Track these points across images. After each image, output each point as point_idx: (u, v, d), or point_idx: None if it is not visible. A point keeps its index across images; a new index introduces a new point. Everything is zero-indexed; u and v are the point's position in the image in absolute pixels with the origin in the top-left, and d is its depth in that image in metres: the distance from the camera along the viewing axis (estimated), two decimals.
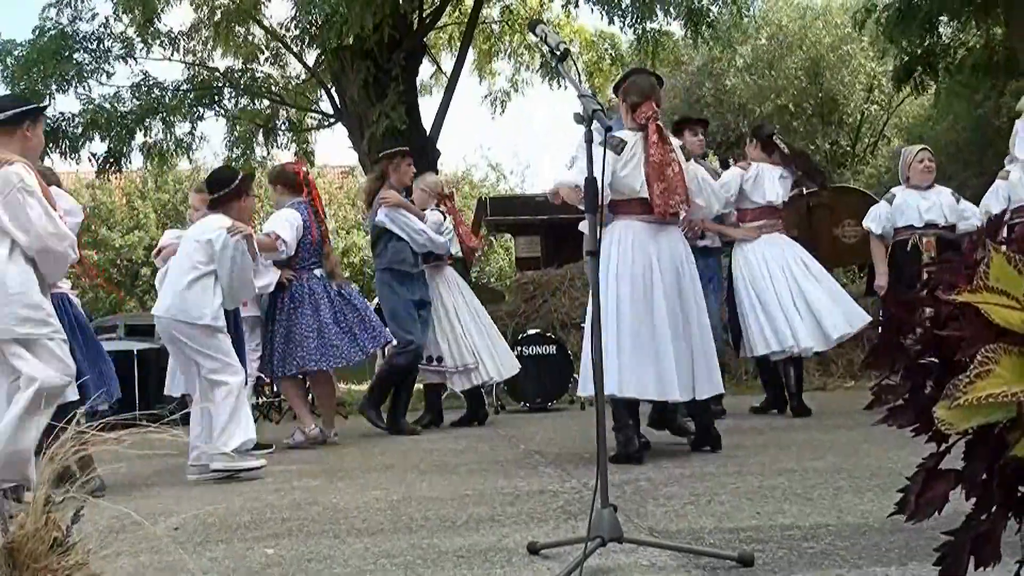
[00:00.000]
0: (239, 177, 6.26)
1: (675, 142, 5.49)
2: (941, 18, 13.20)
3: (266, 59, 14.59)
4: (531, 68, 15.79)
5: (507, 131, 65.10)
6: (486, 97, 16.25)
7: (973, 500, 1.95)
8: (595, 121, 3.04)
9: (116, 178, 18.27)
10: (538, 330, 10.18)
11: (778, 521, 3.54)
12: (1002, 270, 1.88)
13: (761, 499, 4.01)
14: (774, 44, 26.01)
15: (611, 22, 12.59)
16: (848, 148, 27.97)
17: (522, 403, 9.52)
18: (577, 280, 11.84)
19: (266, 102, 14.51)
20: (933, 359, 2.00)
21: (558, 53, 3.23)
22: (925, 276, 2.07)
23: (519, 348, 9.37)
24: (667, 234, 5.38)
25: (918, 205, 7.56)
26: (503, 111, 16.19)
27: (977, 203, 7.86)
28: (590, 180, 3.09)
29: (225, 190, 6.10)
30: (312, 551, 3.43)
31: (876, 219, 7.73)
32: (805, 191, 15.28)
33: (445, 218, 8.22)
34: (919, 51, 14.13)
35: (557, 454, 5.84)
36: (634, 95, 5.41)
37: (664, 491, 4.31)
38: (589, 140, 3.09)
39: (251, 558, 3.35)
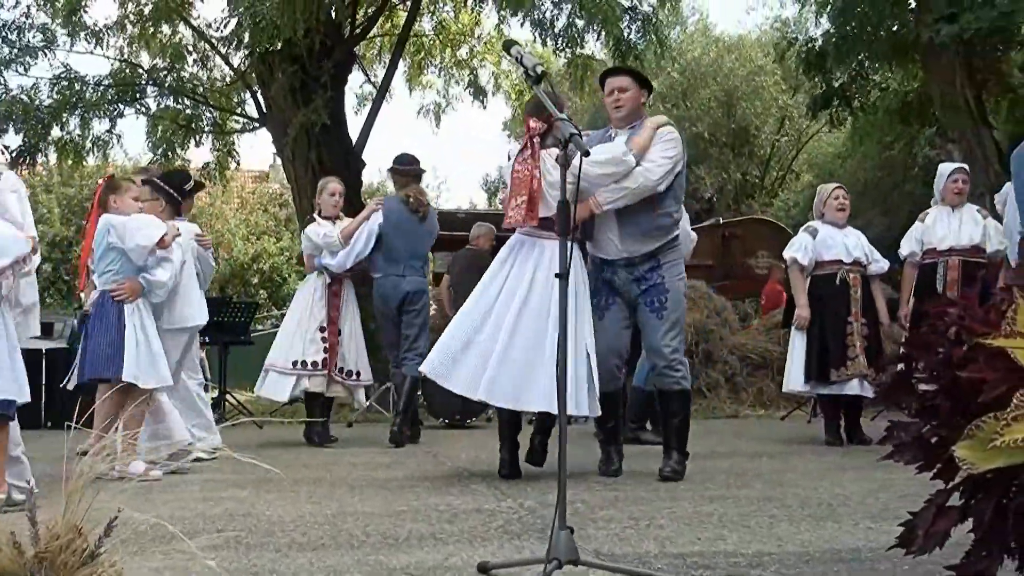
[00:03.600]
0: (192, 181, 6.41)
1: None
2: (860, 57, 13.55)
3: (194, 60, 14.34)
4: (460, 83, 15.80)
5: (439, 145, 65.26)
6: (421, 110, 16.21)
7: (972, 536, 1.99)
8: (572, 144, 3.05)
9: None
10: None
11: (720, 548, 3.57)
12: None
13: (699, 525, 4.05)
14: (688, 76, 26.45)
15: (544, 44, 12.67)
16: (757, 180, 28.52)
17: (440, 419, 9.48)
18: None
19: (189, 102, 14.24)
20: (945, 400, 2.05)
21: (534, 75, 3.24)
22: (934, 318, 2.13)
23: None
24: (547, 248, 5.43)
25: (844, 241, 7.70)
26: (439, 124, 16.16)
27: (883, 241, 8.09)
28: (562, 204, 3.09)
29: (189, 194, 6.25)
30: (256, 564, 3.36)
31: (802, 250, 7.78)
32: (722, 220, 15.67)
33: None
34: (837, 84, 14.47)
35: (486, 472, 5.82)
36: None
37: (601, 514, 4.33)
38: (564, 164, 3.10)
39: (193, 569, 3.26)
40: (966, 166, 8.08)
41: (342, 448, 7.69)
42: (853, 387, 7.44)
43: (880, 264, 7.74)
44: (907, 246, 7.73)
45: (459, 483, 5.45)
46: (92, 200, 6.17)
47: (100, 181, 6.32)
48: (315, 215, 8.11)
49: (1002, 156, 11.05)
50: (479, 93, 15.58)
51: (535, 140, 5.42)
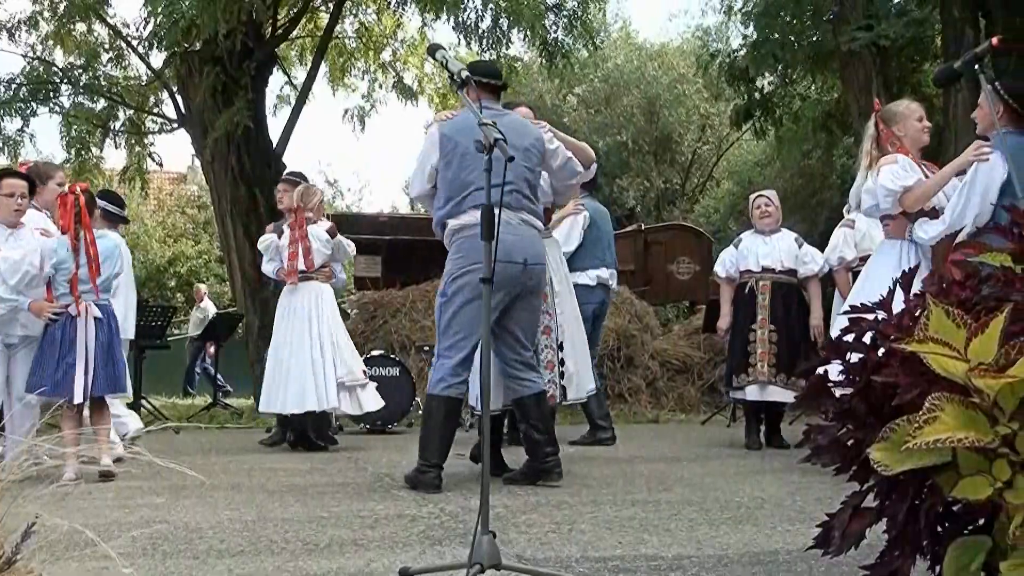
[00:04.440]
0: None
1: None
2: (781, 66, 13.79)
3: (109, 59, 14.05)
4: (384, 86, 15.73)
5: (362, 149, 64.92)
6: (346, 114, 16.09)
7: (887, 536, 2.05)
8: (496, 150, 3.07)
9: None
10: (381, 351, 10.10)
11: (641, 551, 3.61)
12: (941, 322, 2.00)
13: (621, 529, 4.09)
14: (610, 83, 26.66)
15: (467, 46, 12.68)
16: (679, 187, 28.85)
17: (361, 424, 9.41)
18: (419, 302, 11.82)
19: (105, 102, 13.97)
20: (861, 403, 2.10)
21: (459, 80, 3.25)
22: (847, 323, 2.19)
23: None
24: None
25: (758, 250, 7.84)
26: (363, 128, 16.05)
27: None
28: (487, 208, 3.10)
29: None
30: (173, 571, 3.31)
31: (722, 264, 8.03)
32: (643, 227, 15.81)
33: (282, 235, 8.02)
34: (759, 95, 14.71)
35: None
36: None
37: (523, 518, 4.35)
38: (489, 169, 3.11)
39: None
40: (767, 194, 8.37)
41: (261, 454, 7.61)
42: (753, 392, 7.58)
43: (810, 266, 7.79)
44: (848, 252, 7.69)
45: (380, 489, 5.43)
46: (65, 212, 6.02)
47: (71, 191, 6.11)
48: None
49: None
50: (406, 93, 15.51)
51: None
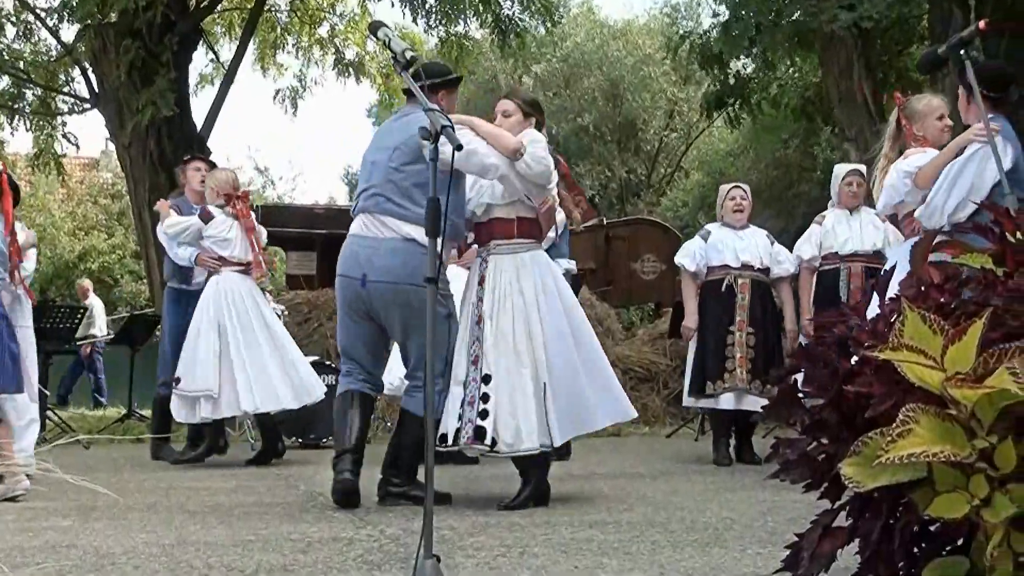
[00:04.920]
0: None
1: None
2: (757, 48, 13.93)
3: (15, 32, 13.91)
4: (321, 65, 15.70)
5: (295, 133, 64.52)
6: (277, 94, 16.02)
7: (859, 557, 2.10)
8: (443, 138, 3.10)
9: None
10: (316, 357, 10.08)
11: None
12: (917, 328, 2.05)
13: (577, 552, 4.12)
14: (570, 63, 26.76)
15: (415, 21, 12.68)
16: (644, 177, 28.99)
17: (294, 438, 9.39)
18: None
19: (10, 80, 13.80)
20: (832, 415, 2.15)
21: (403, 60, 3.27)
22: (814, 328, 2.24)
23: None
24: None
25: (734, 244, 7.88)
26: (296, 110, 15.98)
27: (781, 244, 8.32)
28: (433, 201, 3.13)
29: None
30: None
31: (690, 256, 7.97)
32: (605, 221, 15.91)
33: (236, 220, 8.01)
34: (732, 79, 14.84)
35: None
36: (543, 115, 5.69)
37: (471, 541, 4.37)
38: (435, 158, 3.14)
39: None
40: (862, 167, 8.30)
41: (180, 471, 7.57)
42: (728, 401, 7.61)
43: (784, 266, 7.90)
44: (806, 250, 7.90)
45: (314, 509, 5.43)
46: None
47: None
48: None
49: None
50: (347, 72, 15.46)
51: None
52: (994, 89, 5.22)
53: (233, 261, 7.91)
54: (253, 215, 8.14)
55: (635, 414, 5.94)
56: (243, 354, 7.67)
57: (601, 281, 14.47)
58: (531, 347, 5.37)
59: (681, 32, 16.18)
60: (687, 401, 8.15)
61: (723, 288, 7.81)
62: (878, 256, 7.66)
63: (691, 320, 7.96)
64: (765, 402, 7.41)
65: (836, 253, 7.74)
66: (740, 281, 7.79)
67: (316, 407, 8.85)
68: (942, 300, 2.34)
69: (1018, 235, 2.40)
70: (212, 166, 8.51)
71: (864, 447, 2.06)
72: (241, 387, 7.60)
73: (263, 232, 8.24)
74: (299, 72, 16.06)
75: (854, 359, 2.29)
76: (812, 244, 7.91)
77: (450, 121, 3.14)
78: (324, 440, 9.44)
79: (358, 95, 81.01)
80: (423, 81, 4.11)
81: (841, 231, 7.81)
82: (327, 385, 9.38)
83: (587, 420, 5.55)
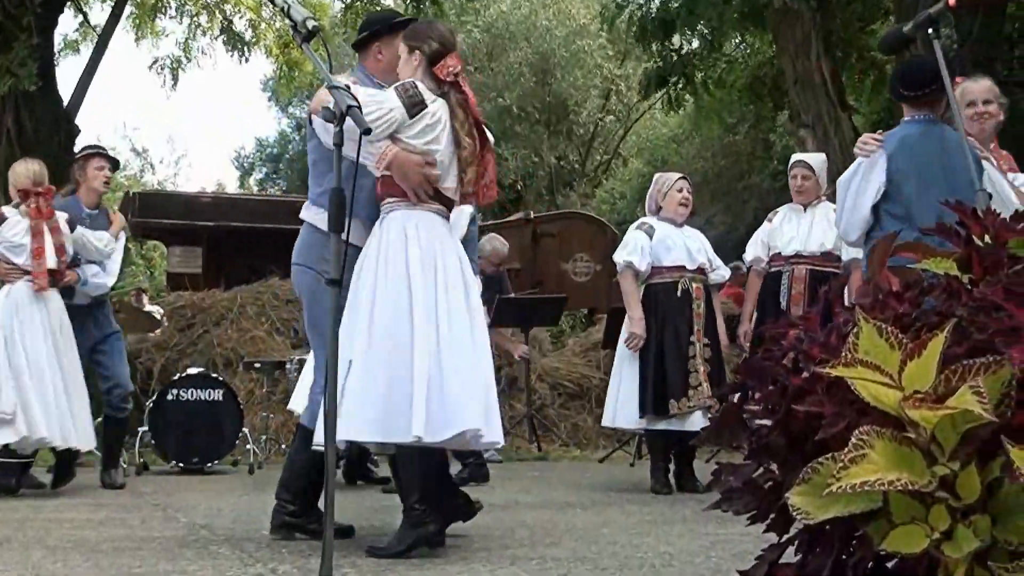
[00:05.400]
0: None
1: None
2: (704, 23, 14.08)
3: None
4: (208, 32, 15.57)
5: (177, 110, 63.81)
6: (155, 63, 15.84)
7: None
8: (349, 120, 3.11)
9: None
10: (201, 369, 10.01)
11: None
12: (872, 342, 2.10)
13: None
14: (494, 35, 26.77)
15: None
16: (577, 165, 29.10)
17: (172, 462, 9.32)
18: (250, 307, 11.76)
19: None
20: (780, 438, 2.20)
21: (304, 31, 3.28)
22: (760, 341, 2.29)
23: (173, 391, 9.21)
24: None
25: (686, 243, 7.91)
26: (175, 83, 15.81)
27: (726, 243, 8.43)
28: (337, 192, 3.14)
29: None
30: None
31: (638, 252, 7.87)
32: (533, 215, 15.98)
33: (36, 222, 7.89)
34: (674, 57, 14.97)
35: (230, 530, 5.78)
36: (434, 41, 4.98)
37: None
38: (339, 143, 3.15)
39: None
40: (812, 157, 8.40)
41: (38, 500, 7.45)
42: (696, 422, 7.56)
43: (721, 272, 8.02)
44: (752, 250, 8.03)
45: (196, 544, 5.39)
46: None
47: None
48: None
49: None
50: (237, 43, 15.34)
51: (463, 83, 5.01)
52: (911, 88, 5.45)
53: (26, 270, 7.67)
54: (63, 216, 7.93)
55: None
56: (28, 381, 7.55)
57: (527, 283, 14.53)
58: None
59: (619, 1, 16.29)
60: (636, 423, 8.01)
61: (678, 292, 7.83)
62: (828, 258, 7.77)
63: (640, 326, 7.84)
64: None
65: (780, 254, 7.91)
66: (695, 285, 7.85)
67: (195, 425, 8.80)
68: (901, 310, 2.39)
69: (986, 238, 2.46)
70: (116, 166, 8.35)
71: (814, 474, 2.10)
72: (37, 414, 7.51)
73: (71, 235, 8.01)
74: (182, 40, 15.89)
75: (805, 375, 2.33)
76: (758, 244, 8.02)
77: (358, 101, 3.14)
78: (208, 464, 9.38)
79: (252, 67, 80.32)
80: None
81: (787, 229, 7.92)
82: (210, 401, 9.37)
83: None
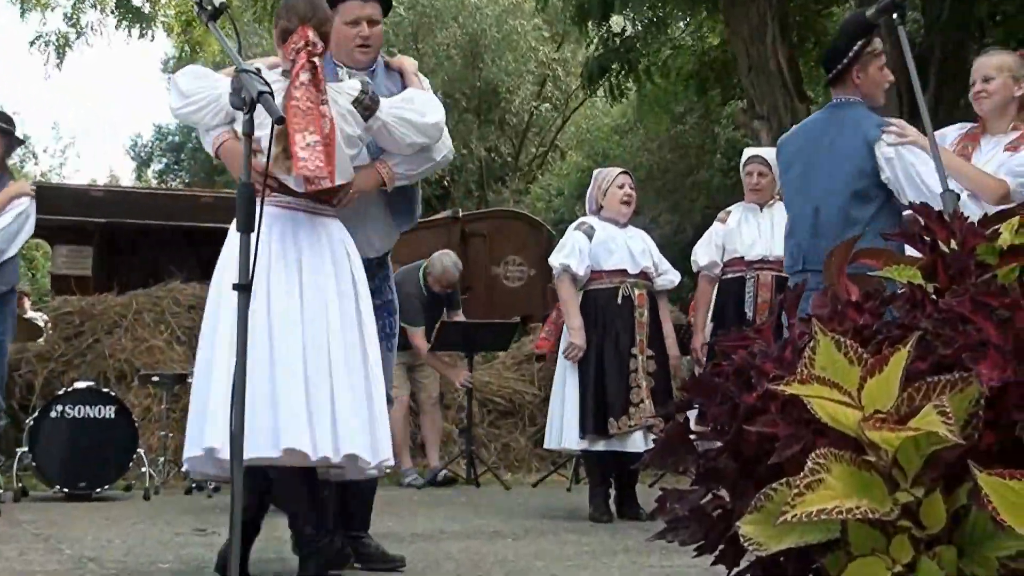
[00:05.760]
0: None
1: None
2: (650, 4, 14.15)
3: None
4: (101, 7, 15.41)
5: (64, 93, 63.09)
6: (36, 40, 15.65)
7: None
8: (261, 107, 3.11)
9: None
10: (90, 383, 9.90)
11: None
12: (830, 357, 2.13)
13: None
14: (418, 13, 26.72)
15: None
16: (510, 158, 29.13)
17: (56, 488, 9.21)
18: (147, 313, 11.67)
19: None
20: (730, 461, 2.22)
21: (209, 8, 3.27)
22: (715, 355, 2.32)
23: (57, 408, 9.10)
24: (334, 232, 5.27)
25: (628, 244, 7.93)
26: (60, 62, 15.63)
27: (671, 245, 8.47)
28: (244, 186, 3.14)
29: None
30: None
31: (576, 254, 7.90)
32: (461, 213, 15.99)
33: None
34: (616, 41, 15.02)
35: (122, 563, 5.74)
36: (283, 18, 4.96)
37: None
38: (249, 133, 3.14)
39: None
40: (768, 152, 8.38)
41: None
42: (637, 442, 7.61)
43: (669, 277, 8.05)
44: (705, 254, 8.01)
45: None
46: None
47: None
48: None
49: None
50: (132, 18, 15.20)
51: (317, 62, 4.89)
52: (826, 70, 5.63)
53: None
54: None
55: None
56: None
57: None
58: None
59: None
60: (576, 444, 8.02)
61: (619, 299, 7.85)
62: None
63: (579, 336, 7.86)
64: None
65: (742, 258, 7.89)
66: (637, 292, 7.87)
67: (83, 446, 8.70)
68: (861, 322, 2.42)
69: (953, 244, 2.49)
70: (10, 139, 8.28)
71: (767, 501, 2.12)
72: None
73: None
74: (70, 14, 15.71)
75: (757, 393, 2.35)
76: (712, 247, 8.00)
77: (269, 86, 3.14)
78: (97, 490, 9.28)
79: (150, 47, 79.60)
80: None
81: (747, 231, 7.92)
82: (101, 419, 9.26)
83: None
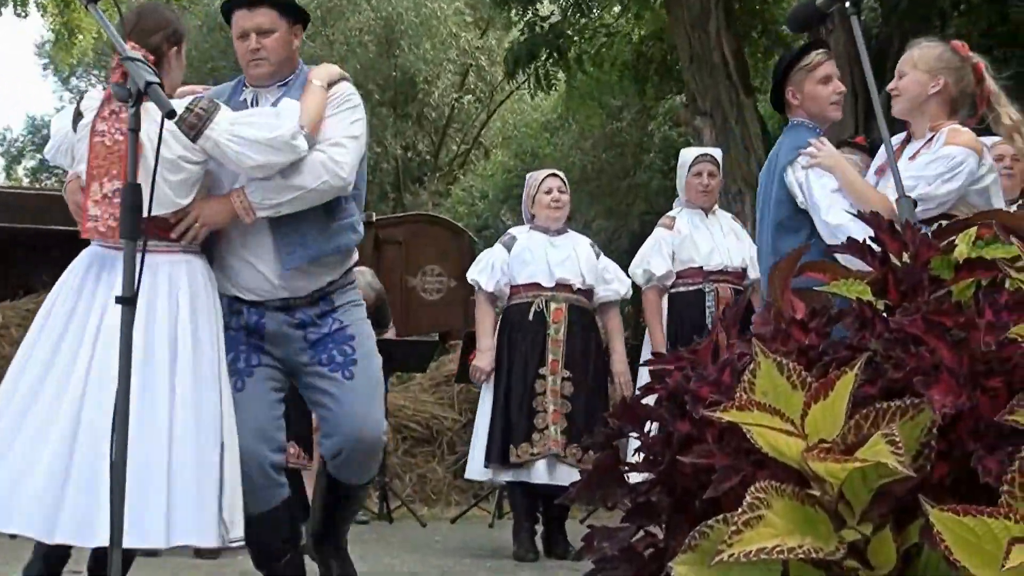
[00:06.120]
0: None
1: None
2: None
3: None
4: None
5: None
6: None
7: None
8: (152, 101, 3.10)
9: None
10: None
11: None
12: (771, 381, 2.15)
13: None
14: None
15: None
16: (429, 156, 29.08)
17: None
18: (15, 328, 11.56)
19: None
20: (664, 495, 2.24)
21: None
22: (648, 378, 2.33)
23: None
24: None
25: (547, 255, 7.93)
26: None
27: (611, 255, 8.44)
28: (132, 187, 3.13)
29: None
30: None
31: (487, 270, 8.02)
32: (375, 217, 15.94)
33: None
34: (544, 27, 15.03)
35: None
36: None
37: None
38: (135, 128, 3.14)
39: None
40: (716, 152, 8.48)
41: None
42: (539, 473, 7.64)
43: (614, 287, 8.04)
44: (658, 263, 7.90)
45: None
46: None
47: None
48: None
49: (769, 137, 11.86)
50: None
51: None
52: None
53: None
54: None
55: None
56: None
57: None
58: None
59: None
60: (479, 473, 8.05)
61: (530, 316, 7.85)
62: (742, 276, 7.85)
63: (485, 358, 7.98)
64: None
65: (700, 268, 7.86)
66: (553, 307, 7.85)
67: None
68: (807, 342, 2.44)
69: (905, 257, 2.52)
70: None
71: (702, 539, 2.13)
72: None
73: None
74: None
75: (693, 420, 2.37)
76: (663, 255, 7.89)
77: (159, 77, 3.14)
78: None
79: (24, 27, 78.76)
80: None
81: (702, 239, 7.89)
82: None
83: None
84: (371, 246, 14.94)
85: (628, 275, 8.19)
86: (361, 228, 5.49)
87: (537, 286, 7.90)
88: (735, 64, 13.15)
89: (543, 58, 14.98)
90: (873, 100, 4.65)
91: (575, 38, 15.25)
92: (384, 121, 27.01)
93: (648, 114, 19.59)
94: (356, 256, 5.55)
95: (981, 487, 2.08)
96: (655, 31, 15.94)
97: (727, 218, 8.15)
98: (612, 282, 8.09)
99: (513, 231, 8.25)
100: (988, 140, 6.01)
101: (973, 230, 2.51)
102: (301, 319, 5.27)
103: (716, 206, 8.10)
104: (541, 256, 7.94)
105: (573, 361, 7.81)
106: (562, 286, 7.91)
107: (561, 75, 15.53)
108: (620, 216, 19.47)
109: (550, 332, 7.82)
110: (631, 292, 8.21)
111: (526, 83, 16.85)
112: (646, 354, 7.84)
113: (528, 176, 8.49)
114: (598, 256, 8.17)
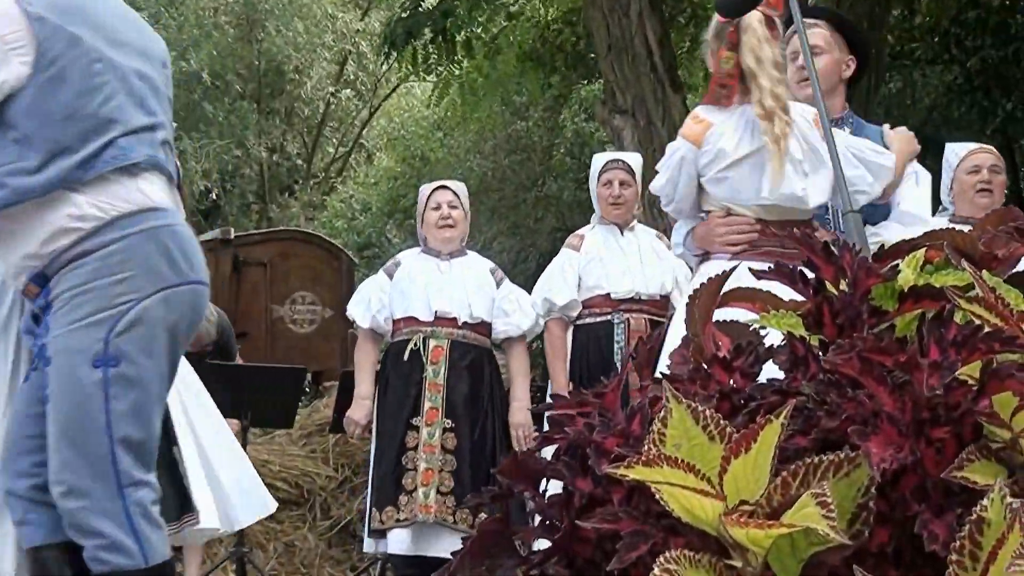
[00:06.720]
0: None
1: None
2: None
3: None
4: None
5: None
6: None
7: None
8: None
9: None
10: None
11: None
12: (685, 432, 2.16)
13: None
14: None
15: None
16: (301, 161, 28.99)
17: None
18: None
19: None
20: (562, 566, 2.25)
21: None
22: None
23: None
24: None
25: (428, 284, 7.85)
26: None
27: (514, 278, 8.41)
28: None
29: None
30: None
31: (363, 302, 8.00)
32: (233, 233, 15.87)
33: None
34: (430, 5, 15.05)
35: None
36: None
37: None
38: None
39: None
40: (630, 157, 8.39)
41: None
42: (399, 542, 7.50)
43: (514, 319, 7.90)
44: (562, 291, 7.81)
45: None
46: None
47: None
48: None
49: None
50: None
51: None
52: None
53: None
54: None
55: None
56: None
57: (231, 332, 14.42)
58: None
59: None
60: (366, 544, 7.94)
61: (405, 356, 7.74)
62: (664, 304, 7.80)
63: (360, 409, 7.94)
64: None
65: (607, 296, 7.76)
66: (432, 344, 7.73)
67: None
68: (731, 385, 2.46)
69: (843, 284, 2.54)
70: None
71: None
72: None
73: None
74: None
75: (595, 477, 2.38)
76: (567, 281, 7.80)
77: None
78: None
79: None
80: None
81: (612, 261, 7.82)
82: None
83: None
84: (229, 268, 14.87)
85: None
86: (13, 181, 4.58)
87: (414, 320, 7.82)
88: (660, 54, 13.15)
89: (425, 39, 14.89)
90: (814, 88, 4.70)
91: (466, 20, 15.17)
92: (245, 118, 26.80)
93: (557, 111, 19.60)
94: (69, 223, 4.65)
95: (927, 555, 2.09)
96: (564, 14, 15.99)
97: (649, 235, 8.00)
98: (513, 314, 7.94)
99: (401, 256, 8.22)
100: (960, 147, 6.11)
101: (920, 253, 2.53)
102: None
103: (636, 221, 8.02)
104: (421, 285, 7.86)
105: (456, 409, 7.66)
106: (443, 320, 7.78)
107: (444, 60, 15.47)
108: (527, 233, 19.48)
109: (427, 374, 7.67)
110: (541, 326, 8.06)
111: (413, 72, 16.77)
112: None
113: (422, 188, 8.36)
114: (499, 283, 8.04)
